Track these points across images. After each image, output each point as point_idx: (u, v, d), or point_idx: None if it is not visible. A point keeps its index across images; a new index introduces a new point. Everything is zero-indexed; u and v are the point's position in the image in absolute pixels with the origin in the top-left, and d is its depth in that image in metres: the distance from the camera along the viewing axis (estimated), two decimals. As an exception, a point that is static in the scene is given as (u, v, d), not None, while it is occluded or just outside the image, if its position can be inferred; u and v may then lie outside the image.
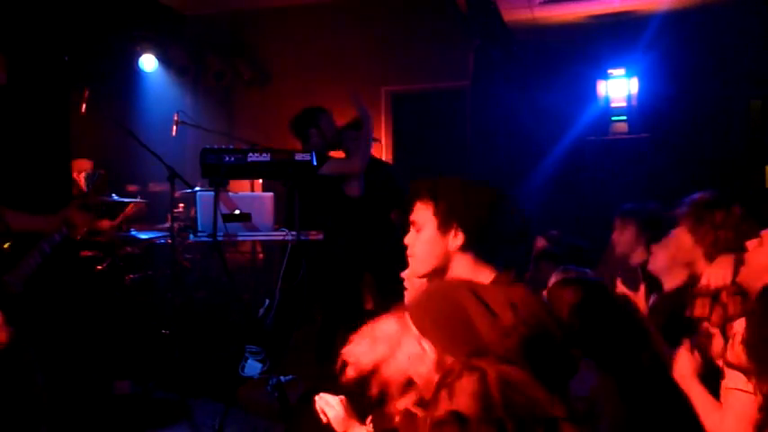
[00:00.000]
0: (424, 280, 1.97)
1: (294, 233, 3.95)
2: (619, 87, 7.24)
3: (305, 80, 7.54)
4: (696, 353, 2.15)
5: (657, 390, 2.18)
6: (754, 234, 2.13)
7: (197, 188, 4.90)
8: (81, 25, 5.41)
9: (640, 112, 7.22)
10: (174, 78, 7.44)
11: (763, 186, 7.11)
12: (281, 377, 3.47)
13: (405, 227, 1.99)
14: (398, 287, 2.15)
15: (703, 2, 5.77)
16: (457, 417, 1.23)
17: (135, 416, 4.45)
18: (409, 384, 1.50)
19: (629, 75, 7.20)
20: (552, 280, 2.74)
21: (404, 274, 2.09)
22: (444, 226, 1.87)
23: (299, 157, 3.82)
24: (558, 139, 7.20)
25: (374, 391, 1.58)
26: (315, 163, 3.86)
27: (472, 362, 1.30)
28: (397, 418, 1.66)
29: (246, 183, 6.58)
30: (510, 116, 7.04)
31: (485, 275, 1.84)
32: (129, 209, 5.79)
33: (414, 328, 1.46)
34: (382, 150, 7.23)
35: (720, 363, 2.01)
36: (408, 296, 2.07)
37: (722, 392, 2.00)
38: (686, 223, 2.54)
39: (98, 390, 4.80)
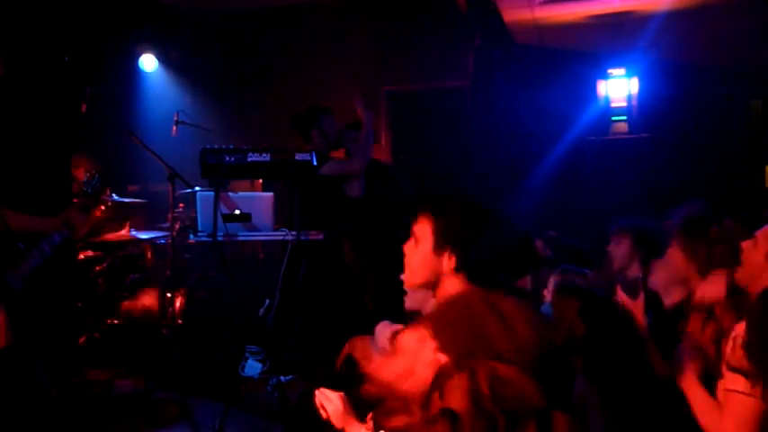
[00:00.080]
0: (418, 290, 2.00)
1: (294, 233, 3.95)
2: (619, 87, 7.23)
3: (305, 80, 7.53)
4: (696, 353, 2.16)
5: (646, 401, 2.18)
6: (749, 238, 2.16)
7: (197, 188, 4.90)
8: (81, 25, 5.41)
9: (640, 112, 7.21)
10: (174, 78, 7.44)
11: (763, 186, 7.12)
12: (281, 377, 3.48)
13: (408, 233, 2.01)
14: (399, 289, 2.15)
15: (703, 2, 5.77)
16: (448, 414, 1.24)
17: (135, 416, 4.45)
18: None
19: (629, 75, 7.19)
20: (552, 281, 2.75)
21: (403, 278, 2.11)
22: (439, 247, 1.91)
23: (299, 157, 3.81)
24: (558, 138, 7.19)
25: (394, 404, 1.58)
26: (315, 163, 3.87)
27: (462, 362, 1.31)
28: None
29: (246, 183, 6.58)
30: (510, 116, 7.04)
31: None
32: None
33: (432, 340, 1.46)
34: (381, 150, 7.24)
35: (723, 367, 2.01)
36: (407, 300, 2.09)
37: (721, 394, 2.01)
38: (678, 242, 2.55)
39: (98, 390, 4.81)
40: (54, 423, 3.27)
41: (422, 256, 1.94)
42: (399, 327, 2.08)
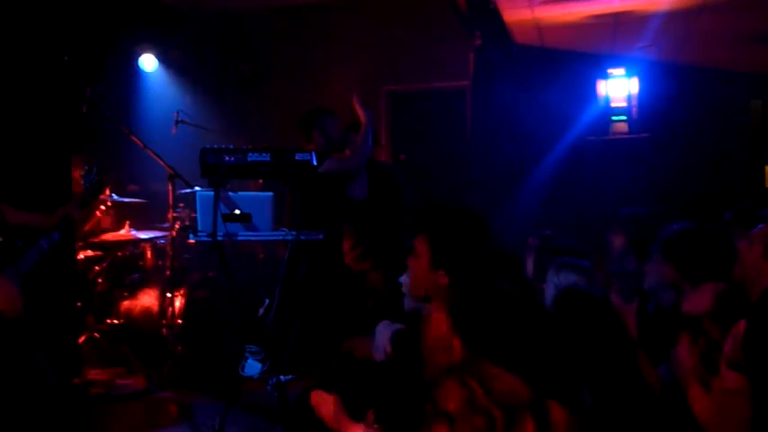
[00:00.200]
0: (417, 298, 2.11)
1: (294, 233, 3.95)
2: (619, 87, 7.23)
3: (305, 80, 7.54)
4: (694, 350, 2.16)
5: (632, 406, 2.19)
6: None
7: (197, 188, 4.90)
8: (81, 25, 5.41)
9: (640, 112, 7.21)
10: (174, 78, 7.44)
11: (763, 186, 7.12)
12: (281, 377, 3.48)
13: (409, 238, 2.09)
14: (398, 290, 2.18)
15: (703, 2, 5.76)
16: (444, 415, 1.26)
17: (135, 416, 4.45)
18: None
19: (629, 75, 7.20)
20: (550, 273, 2.76)
21: (402, 280, 2.17)
22: (434, 266, 2.02)
23: (299, 156, 3.81)
24: (559, 138, 7.20)
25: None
26: (315, 163, 3.86)
27: (452, 372, 1.34)
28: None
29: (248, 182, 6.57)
30: (510, 116, 7.04)
31: None
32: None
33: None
34: (382, 150, 7.23)
35: (723, 366, 2.01)
36: (407, 302, 2.14)
37: (720, 394, 2.01)
38: (668, 258, 2.54)
39: (98, 390, 4.81)
40: (54, 423, 3.26)
41: (420, 271, 2.05)
42: (399, 327, 2.10)
